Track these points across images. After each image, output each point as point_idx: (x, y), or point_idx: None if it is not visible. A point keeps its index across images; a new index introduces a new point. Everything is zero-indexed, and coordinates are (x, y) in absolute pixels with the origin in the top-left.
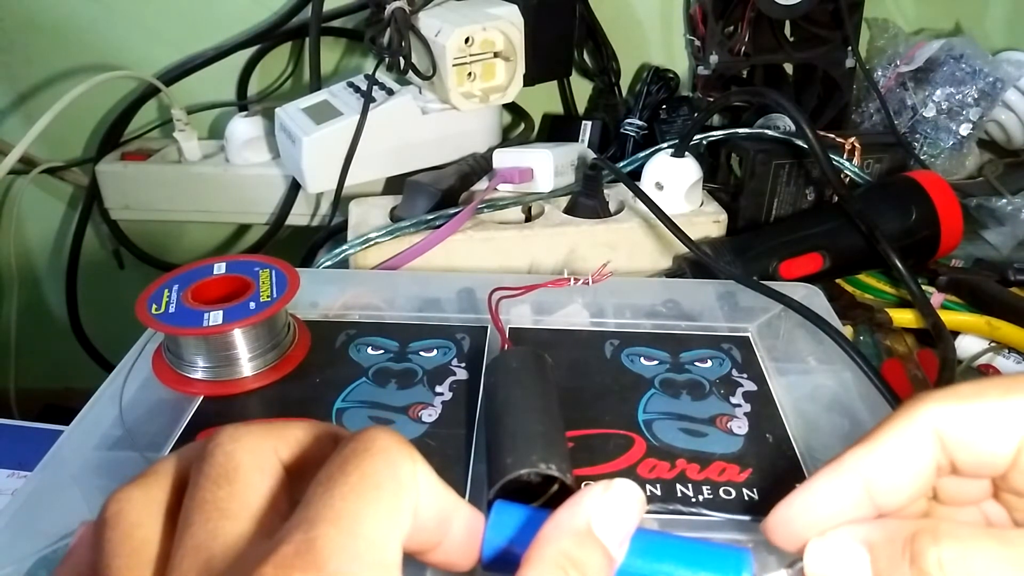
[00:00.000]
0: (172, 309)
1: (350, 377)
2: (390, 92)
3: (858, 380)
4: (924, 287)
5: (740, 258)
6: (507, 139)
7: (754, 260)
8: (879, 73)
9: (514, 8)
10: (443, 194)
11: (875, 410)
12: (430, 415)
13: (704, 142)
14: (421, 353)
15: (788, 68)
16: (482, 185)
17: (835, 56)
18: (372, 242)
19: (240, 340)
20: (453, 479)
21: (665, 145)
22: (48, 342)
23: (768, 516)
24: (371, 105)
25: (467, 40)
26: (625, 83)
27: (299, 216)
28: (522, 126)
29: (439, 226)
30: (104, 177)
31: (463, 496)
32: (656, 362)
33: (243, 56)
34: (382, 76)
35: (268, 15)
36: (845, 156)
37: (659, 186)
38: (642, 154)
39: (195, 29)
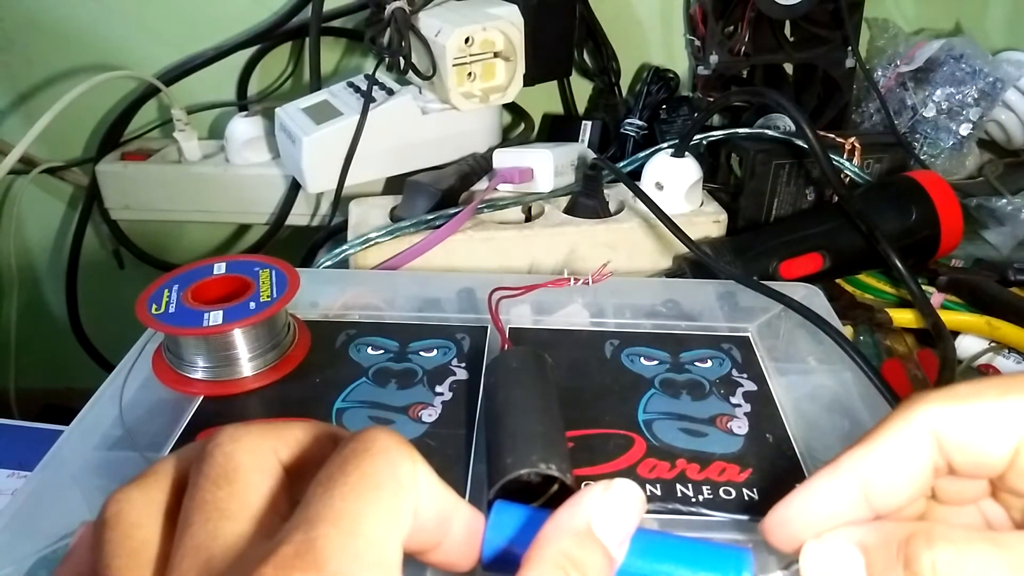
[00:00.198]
0: (172, 309)
1: (350, 377)
2: (390, 92)
3: (858, 380)
4: (924, 287)
5: (740, 258)
6: (507, 139)
7: (754, 260)
8: (879, 73)
9: (514, 8)
10: (443, 194)
11: (875, 410)
12: (430, 415)
13: (704, 142)
14: (421, 353)
15: (788, 68)
16: (482, 185)
17: (835, 56)
18: (372, 242)
19: (240, 340)
20: (453, 479)
21: (665, 145)
22: (48, 342)
23: (765, 517)
24: (371, 105)
25: (467, 40)
26: (625, 83)
27: (299, 216)
28: (522, 126)
29: (439, 226)
30: (104, 177)
31: (463, 496)
32: (656, 362)
33: (243, 56)
34: (382, 76)
35: (268, 15)
36: (845, 156)
37: (659, 186)
38: (642, 154)
39: (195, 29)
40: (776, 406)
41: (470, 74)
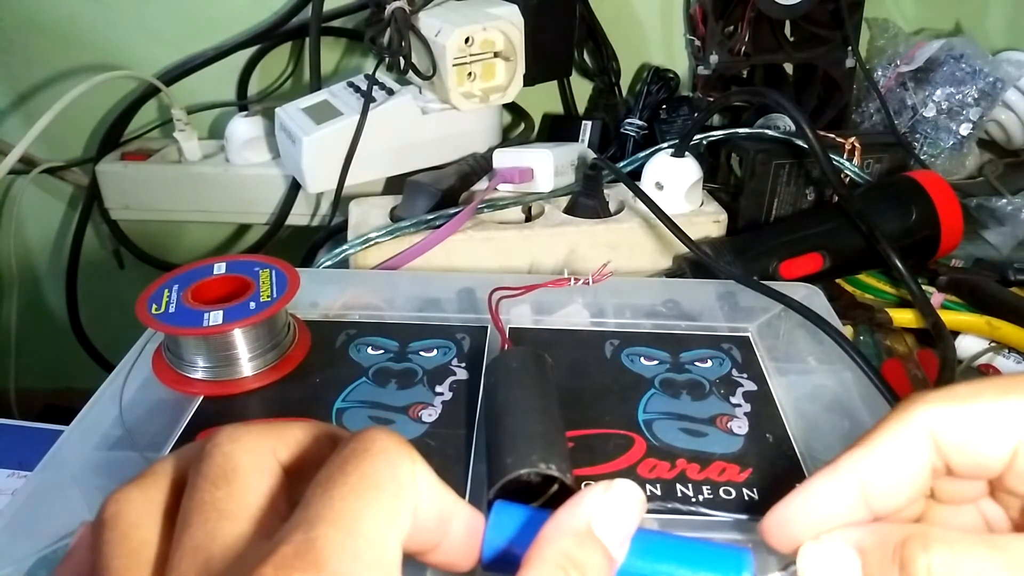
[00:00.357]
0: (172, 309)
1: (350, 377)
2: (390, 92)
3: (858, 380)
4: (924, 287)
5: (740, 258)
6: (507, 139)
7: (754, 260)
8: (879, 73)
9: (514, 8)
10: (443, 194)
11: (875, 410)
12: (430, 415)
13: (704, 142)
14: (421, 353)
15: (788, 68)
16: (482, 185)
17: (835, 56)
18: (372, 242)
19: (240, 340)
20: (453, 479)
21: (665, 145)
22: (48, 342)
23: (764, 518)
24: (371, 105)
25: (467, 40)
26: (625, 83)
27: (299, 216)
28: (522, 126)
29: (439, 226)
30: (104, 177)
31: (463, 496)
32: (656, 362)
33: (243, 56)
34: (382, 76)
35: (268, 15)
36: (845, 156)
37: (659, 186)
38: (642, 154)
39: (195, 29)
40: (776, 406)
41: (470, 74)
